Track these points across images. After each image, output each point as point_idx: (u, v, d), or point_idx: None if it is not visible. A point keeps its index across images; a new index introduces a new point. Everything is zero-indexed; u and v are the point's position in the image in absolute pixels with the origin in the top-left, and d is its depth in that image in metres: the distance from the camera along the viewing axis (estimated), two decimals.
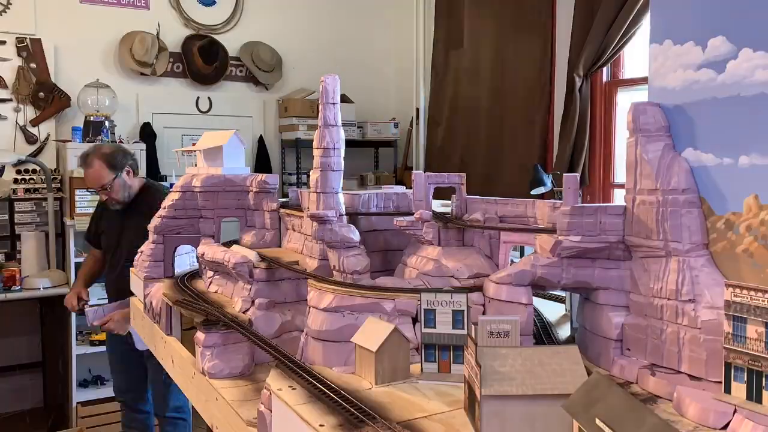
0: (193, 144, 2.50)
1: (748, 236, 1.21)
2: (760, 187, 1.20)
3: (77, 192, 4.31)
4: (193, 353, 1.74)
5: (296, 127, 5.27)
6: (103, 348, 4.47)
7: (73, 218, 4.30)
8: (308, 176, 1.94)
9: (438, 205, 1.89)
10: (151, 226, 2.36)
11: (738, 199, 1.23)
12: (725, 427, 1.09)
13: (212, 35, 5.29)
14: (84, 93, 4.65)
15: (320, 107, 1.85)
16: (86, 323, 4.51)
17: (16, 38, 4.62)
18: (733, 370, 1.09)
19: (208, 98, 5.33)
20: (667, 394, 1.24)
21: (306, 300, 1.61)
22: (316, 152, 1.86)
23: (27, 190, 4.55)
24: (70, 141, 4.50)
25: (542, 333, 1.64)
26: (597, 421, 0.92)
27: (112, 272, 3.64)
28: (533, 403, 1.08)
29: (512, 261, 1.63)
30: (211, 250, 2.05)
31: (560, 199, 1.50)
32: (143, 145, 4.69)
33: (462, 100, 5.19)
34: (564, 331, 1.74)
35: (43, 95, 4.64)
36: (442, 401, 1.27)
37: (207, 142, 2.31)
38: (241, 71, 5.44)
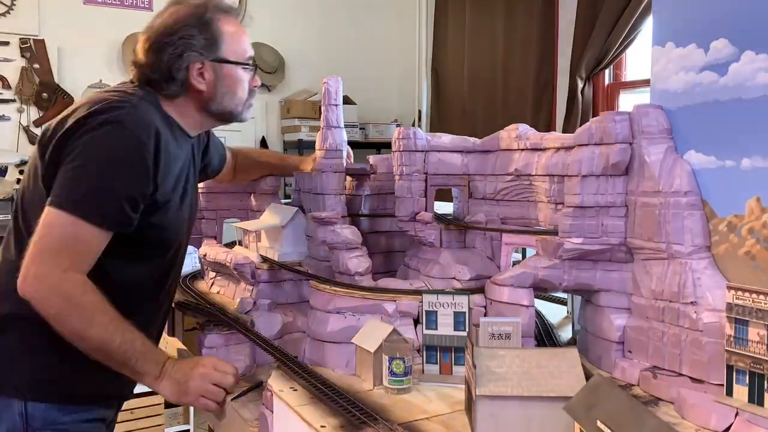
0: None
1: (750, 239, 1.21)
2: (762, 190, 1.20)
3: None
4: (195, 354, 1.74)
5: (298, 128, 5.27)
6: None
7: None
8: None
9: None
10: None
11: (740, 201, 1.23)
12: (727, 429, 1.09)
13: None
14: (87, 94, 4.66)
15: (322, 109, 1.85)
16: None
17: (20, 39, 4.63)
18: (734, 373, 1.09)
19: None
20: (669, 397, 1.24)
21: (308, 301, 1.61)
22: (319, 153, 1.86)
23: None
24: None
25: (544, 335, 1.64)
26: (598, 423, 0.93)
27: (164, 296, 1.73)
28: (529, 405, 1.08)
29: (514, 263, 1.63)
30: (213, 250, 2.05)
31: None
32: None
33: (464, 102, 5.20)
34: (565, 333, 1.73)
35: (47, 96, 4.65)
36: (443, 403, 1.28)
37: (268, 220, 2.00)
38: None
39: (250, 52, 1.66)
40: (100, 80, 4.77)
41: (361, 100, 5.50)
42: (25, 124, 4.68)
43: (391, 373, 1.30)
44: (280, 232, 1.90)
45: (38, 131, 4.70)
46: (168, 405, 4.59)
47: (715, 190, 1.28)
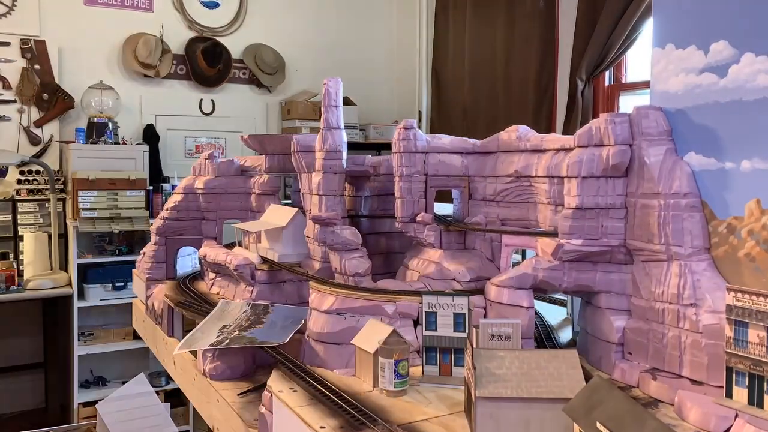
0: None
1: (750, 240, 1.21)
2: (761, 192, 1.20)
3: (80, 193, 4.32)
4: (195, 355, 1.74)
5: (299, 129, 5.27)
6: (105, 348, 4.48)
7: (76, 219, 4.31)
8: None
9: None
10: (153, 228, 2.37)
11: (740, 203, 1.23)
12: (726, 431, 1.09)
13: (216, 37, 5.30)
14: (88, 94, 4.65)
15: (323, 110, 1.85)
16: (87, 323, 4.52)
17: (21, 40, 4.63)
18: (734, 375, 1.09)
19: (211, 100, 5.34)
20: (669, 398, 1.24)
21: (307, 302, 1.61)
22: (319, 155, 1.86)
23: (30, 191, 4.56)
24: (74, 142, 4.50)
25: (543, 336, 1.64)
26: (598, 424, 0.93)
27: None
28: (528, 406, 1.08)
29: (514, 264, 1.63)
30: (213, 251, 2.06)
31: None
32: (146, 147, 4.70)
33: (464, 104, 5.20)
34: (565, 335, 1.73)
35: (47, 96, 4.65)
36: (442, 404, 1.28)
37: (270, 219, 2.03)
38: (244, 73, 5.45)
39: None
40: (101, 81, 4.77)
41: (361, 101, 5.50)
42: (25, 124, 4.68)
43: (397, 375, 1.30)
44: (280, 233, 1.90)
45: (38, 132, 4.70)
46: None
47: (715, 191, 1.28)
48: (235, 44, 5.38)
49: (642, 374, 1.32)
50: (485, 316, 1.47)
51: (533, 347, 1.44)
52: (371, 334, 1.39)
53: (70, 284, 4.39)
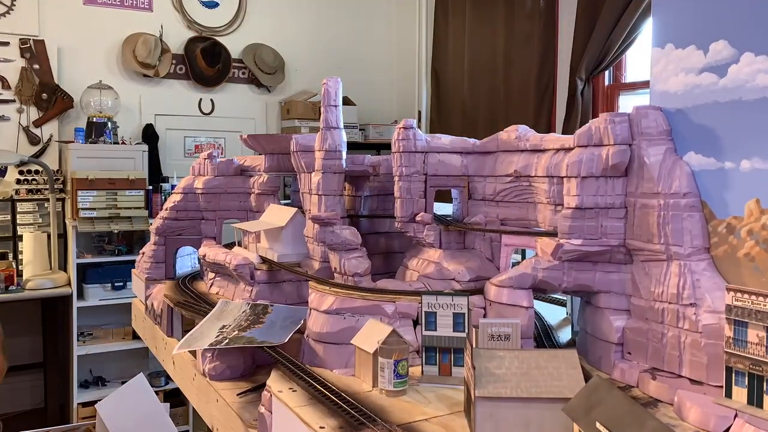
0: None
1: (750, 240, 1.21)
2: (761, 191, 1.20)
3: (79, 193, 4.32)
4: (194, 355, 1.74)
5: (298, 129, 5.27)
6: (104, 348, 4.48)
7: (75, 219, 4.31)
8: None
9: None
10: (153, 227, 2.37)
11: (739, 203, 1.23)
12: (726, 431, 1.09)
13: (215, 37, 5.30)
14: (87, 94, 4.65)
15: (322, 109, 1.85)
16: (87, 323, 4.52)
17: (20, 39, 4.63)
18: (734, 375, 1.09)
19: (211, 100, 5.34)
20: (668, 398, 1.24)
21: (307, 302, 1.61)
22: (318, 154, 1.86)
23: (29, 191, 4.57)
24: (73, 142, 4.51)
25: (543, 336, 1.64)
26: (597, 424, 0.93)
27: None
28: (528, 406, 1.08)
29: (513, 264, 1.63)
30: (212, 251, 2.05)
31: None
32: (145, 147, 4.70)
33: (464, 103, 5.20)
34: (565, 335, 1.73)
35: (46, 96, 4.65)
36: (442, 404, 1.28)
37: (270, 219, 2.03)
38: (243, 73, 5.45)
39: None
40: (100, 81, 4.77)
41: (360, 101, 5.51)
42: (24, 124, 4.68)
43: (396, 375, 1.30)
44: (279, 232, 1.90)
45: (38, 132, 4.70)
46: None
47: (715, 191, 1.28)
48: (234, 44, 5.38)
49: (641, 374, 1.32)
50: (485, 316, 1.47)
51: (533, 347, 1.44)
52: (371, 334, 1.39)
53: (69, 284, 4.39)
